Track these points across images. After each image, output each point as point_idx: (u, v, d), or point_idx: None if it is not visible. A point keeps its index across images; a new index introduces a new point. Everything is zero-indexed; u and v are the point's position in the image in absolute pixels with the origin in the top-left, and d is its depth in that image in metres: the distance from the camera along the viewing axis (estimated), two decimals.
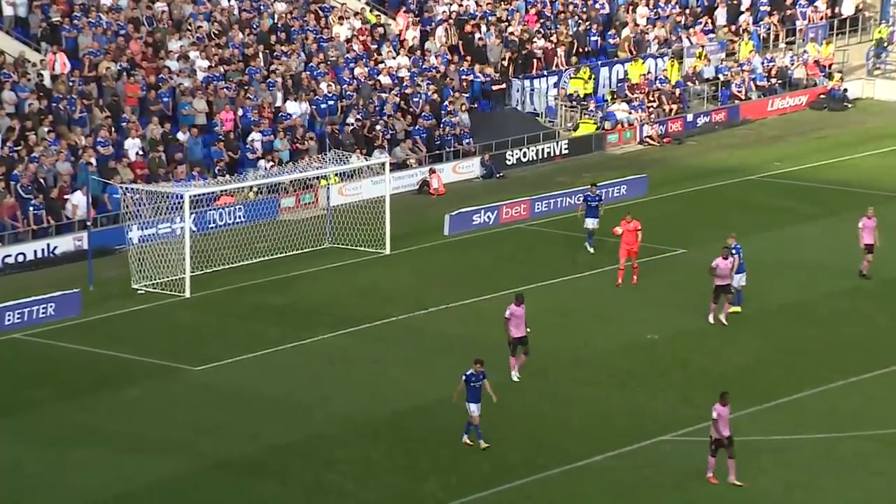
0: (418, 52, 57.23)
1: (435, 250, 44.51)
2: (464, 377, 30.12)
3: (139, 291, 40.40)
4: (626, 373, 34.67)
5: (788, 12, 67.65)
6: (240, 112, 49.92)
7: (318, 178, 46.78)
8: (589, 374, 34.59)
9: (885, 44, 66.93)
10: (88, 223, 42.40)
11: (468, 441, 30.22)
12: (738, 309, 37.63)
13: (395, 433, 31.55)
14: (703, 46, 63.07)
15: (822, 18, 68.00)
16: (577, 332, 36.93)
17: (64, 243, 43.48)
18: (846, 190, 50.72)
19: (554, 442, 30.95)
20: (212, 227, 44.98)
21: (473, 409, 30.06)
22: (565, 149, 55.34)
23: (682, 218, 47.67)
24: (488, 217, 46.72)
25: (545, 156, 54.78)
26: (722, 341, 36.68)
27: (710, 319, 37.19)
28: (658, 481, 29.12)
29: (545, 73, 58.85)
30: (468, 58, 57.40)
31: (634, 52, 61.64)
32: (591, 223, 42.64)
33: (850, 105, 63.16)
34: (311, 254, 43.56)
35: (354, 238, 44.10)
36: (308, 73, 53.18)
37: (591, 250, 42.41)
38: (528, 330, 33.34)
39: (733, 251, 37.53)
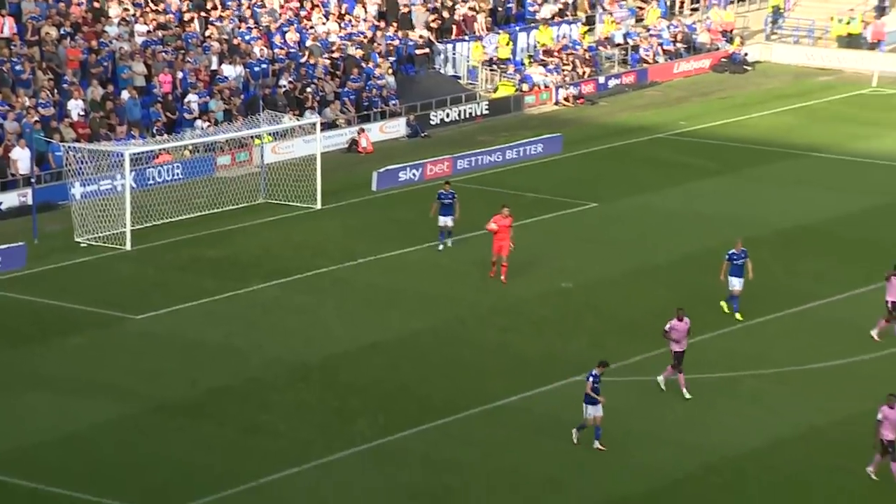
0: (347, 18, 57.05)
1: (363, 205, 44.51)
2: (590, 379, 27.82)
3: (82, 244, 40.12)
4: (542, 319, 34.95)
5: None
6: (179, 75, 49.56)
7: (252, 137, 46.58)
8: (507, 321, 34.83)
9: (782, 10, 67.54)
10: (32, 180, 42.01)
11: (601, 446, 27.96)
12: (739, 316, 34.57)
13: (325, 377, 31.65)
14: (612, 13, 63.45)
15: None
16: (495, 282, 37.11)
17: (9, 199, 43.04)
18: (746, 147, 51.24)
19: (474, 385, 31.18)
20: (151, 184, 44.70)
21: (596, 411, 27.86)
22: (486, 110, 55.43)
23: (595, 174, 47.97)
24: (413, 174, 46.77)
25: (467, 116, 54.83)
26: (631, 289, 37.01)
27: (875, 335, 33.48)
28: (570, 419, 29.39)
29: (466, 37, 58.84)
30: (394, 24, 57.30)
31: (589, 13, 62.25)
32: (445, 221, 39.10)
33: (749, 68, 63.69)
34: (246, 209, 43.42)
35: (287, 194, 44.00)
36: (241, 38, 52.88)
37: (449, 244, 39.20)
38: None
39: (738, 255, 34.23)
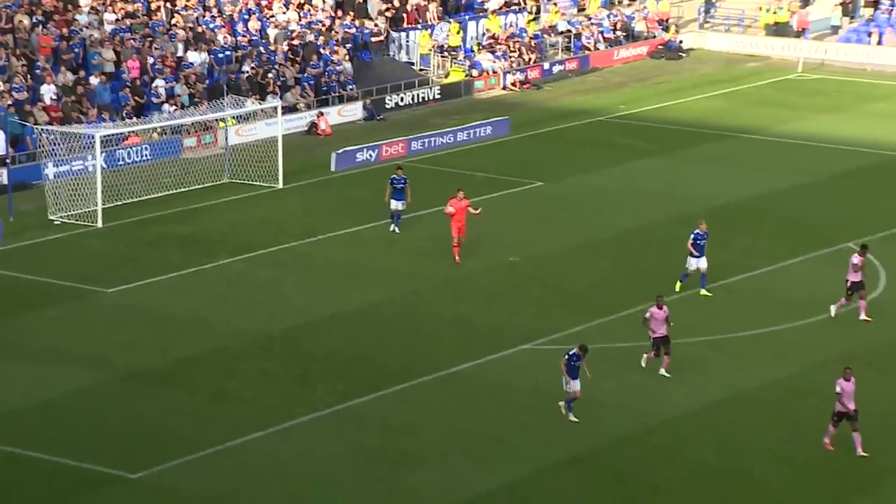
0: (306, 7, 56.86)
1: (323, 185, 44.42)
2: (566, 356, 27.49)
3: (55, 222, 39.84)
4: (492, 291, 35.03)
5: None
6: (149, 60, 49.28)
7: (216, 120, 46.37)
8: (459, 293, 34.89)
9: (714, 0, 67.83)
10: (7, 160, 41.66)
11: (574, 418, 27.62)
12: (705, 292, 34.14)
13: (288, 346, 31.61)
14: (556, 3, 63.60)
15: None
16: (447, 257, 37.13)
17: None
18: (681, 129, 51.49)
19: (429, 353, 31.25)
20: (121, 165, 44.43)
21: (576, 385, 27.51)
22: (437, 94, 55.40)
23: (541, 154, 48.05)
24: (370, 155, 46.71)
25: (420, 100, 54.77)
26: (574, 263, 37.14)
27: (833, 311, 32.79)
28: (518, 385, 29.58)
29: (419, 26, 58.76)
30: (351, 13, 57.13)
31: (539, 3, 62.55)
32: (396, 205, 38.32)
33: (684, 55, 63.96)
34: (212, 188, 43.23)
35: (250, 174, 43.84)
36: (205, 26, 52.60)
37: (397, 230, 38.39)
38: (672, 324, 29.60)
39: (701, 235, 33.79)
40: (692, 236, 34.12)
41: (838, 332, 32.54)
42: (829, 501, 25.24)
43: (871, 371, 30.05)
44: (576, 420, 27.67)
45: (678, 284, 34.47)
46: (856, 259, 32.77)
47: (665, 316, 29.60)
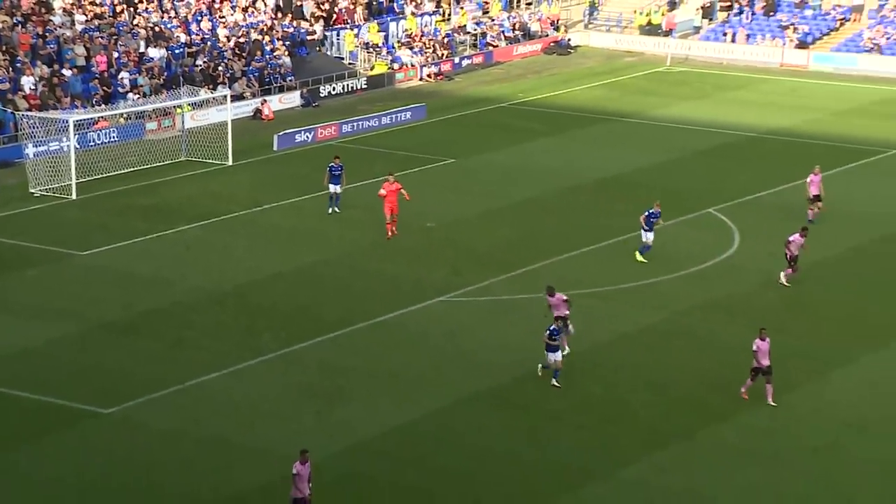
0: (250, 10, 56.07)
1: (266, 162, 43.91)
2: (548, 331, 26.47)
3: (35, 195, 39.03)
4: (412, 252, 34.92)
5: None
6: (115, 55, 48.38)
7: (174, 107, 45.65)
8: (384, 254, 34.72)
9: (596, 4, 68.03)
10: None
11: (556, 383, 26.60)
12: (642, 258, 33.30)
13: (238, 301, 31.28)
14: (463, 7, 63.28)
15: None
16: (375, 224, 36.89)
17: None
18: (570, 114, 51.58)
19: (359, 305, 31.09)
20: (92, 145, 43.61)
21: (556, 356, 26.62)
22: (364, 84, 54.96)
23: (453, 136, 47.89)
24: (307, 136, 46.24)
25: (349, 90, 54.31)
26: (481, 228, 37.09)
27: (783, 280, 32.13)
28: (434, 331, 29.57)
29: (348, 26, 58.20)
30: (289, 14, 56.45)
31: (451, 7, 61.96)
32: (334, 189, 37.24)
33: (572, 51, 64.05)
34: (171, 165, 42.57)
35: (204, 153, 43.23)
36: (164, 25, 51.74)
37: (331, 211, 37.08)
38: (571, 306, 28.05)
39: (655, 214, 33.15)
40: (647, 213, 33.48)
41: (701, 284, 32.88)
42: (693, 426, 25.52)
43: (725, 315, 30.45)
44: (558, 385, 26.61)
45: (638, 253, 33.59)
46: (799, 239, 32.21)
47: (559, 302, 28.28)
